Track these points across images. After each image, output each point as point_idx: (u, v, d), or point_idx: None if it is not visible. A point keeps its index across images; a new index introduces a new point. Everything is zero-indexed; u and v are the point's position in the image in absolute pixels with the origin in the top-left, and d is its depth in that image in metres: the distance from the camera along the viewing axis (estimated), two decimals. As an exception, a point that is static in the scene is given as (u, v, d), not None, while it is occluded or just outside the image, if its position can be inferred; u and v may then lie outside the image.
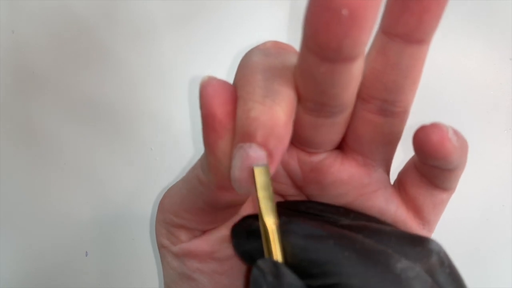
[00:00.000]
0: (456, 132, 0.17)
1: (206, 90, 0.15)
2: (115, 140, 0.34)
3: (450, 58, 0.36)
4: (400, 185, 0.20)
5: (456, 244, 0.34)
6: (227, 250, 0.20)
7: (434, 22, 0.15)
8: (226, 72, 0.35)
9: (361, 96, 0.17)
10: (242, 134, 0.15)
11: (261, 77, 0.15)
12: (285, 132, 0.15)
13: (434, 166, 0.18)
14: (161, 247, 0.21)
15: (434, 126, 0.16)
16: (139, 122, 0.35)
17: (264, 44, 0.18)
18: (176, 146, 0.35)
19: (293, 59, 0.16)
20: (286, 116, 0.15)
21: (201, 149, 0.35)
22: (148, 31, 0.35)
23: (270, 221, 0.15)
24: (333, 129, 0.18)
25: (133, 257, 0.34)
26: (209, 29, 0.36)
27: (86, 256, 0.34)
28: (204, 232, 0.20)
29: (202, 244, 0.20)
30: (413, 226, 0.20)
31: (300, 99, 0.16)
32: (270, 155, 0.14)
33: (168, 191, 0.20)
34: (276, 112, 0.14)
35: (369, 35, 0.13)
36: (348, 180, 0.19)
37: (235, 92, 0.16)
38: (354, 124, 0.18)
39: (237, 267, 0.20)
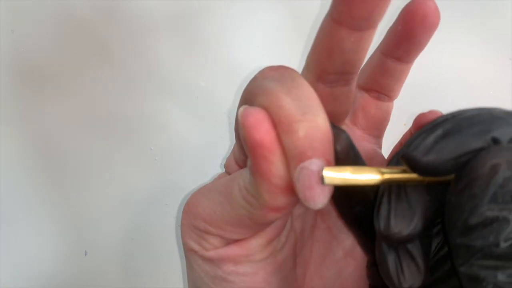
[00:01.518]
0: None
1: (249, 120, 0.16)
2: (115, 140, 0.34)
3: (450, 58, 0.36)
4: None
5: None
6: (265, 251, 0.20)
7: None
8: (226, 72, 0.35)
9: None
10: (298, 155, 0.16)
11: (290, 99, 0.16)
12: (331, 135, 0.16)
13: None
14: (189, 250, 0.21)
15: (432, 112, 0.19)
16: (139, 122, 0.35)
17: (263, 72, 0.19)
18: (176, 146, 0.35)
19: (293, 74, 0.18)
20: (327, 121, 0.16)
21: (201, 149, 0.35)
22: (148, 31, 0.35)
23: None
24: (349, 97, 0.20)
25: (133, 257, 0.34)
26: (209, 29, 0.36)
27: (86, 255, 0.34)
28: (239, 240, 0.20)
29: (238, 249, 0.20)
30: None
31: (320, 77, 0.18)
32: (327, 162, 0.16)
33: (199, 199, 0.20)
34: (320, 122, 0.16)
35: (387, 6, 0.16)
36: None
37: (271, 118, 0.17)
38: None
39: (272, 265, 0.21)
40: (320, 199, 0.15)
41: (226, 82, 0.35)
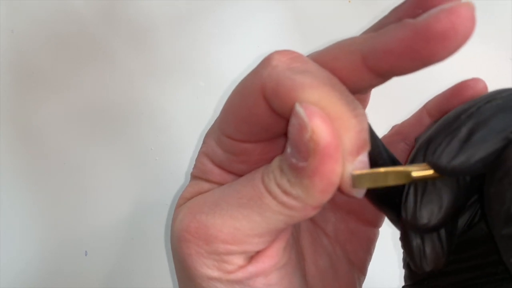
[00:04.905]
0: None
1: (315, 120, 0.15)
2: (115, 139, 0.34)
3: (450, 58, 0.36)
4: None
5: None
6: (285, 256, 0.20)
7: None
8: (226, 72, 0.35)
9: None
10: (356, 150, 0.16)
11: (338, 94, 0.16)
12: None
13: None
14: (207, 279, 0.19)
15: (474, 80, 0.20)
16: (139, 122, 0.35)
17: (281, 60, 0.17)
18: (176, 146, 0.35)
19: (311, 62, 0.17)
20: (365, 114, 0.17)
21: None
22: (148, 31, 0.35)
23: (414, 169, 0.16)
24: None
25: (133, 257, 0.34)
26: (209, 29, 0.36)
27: (86, 255, 0.34)
28: (261, 250, 0.19)
29: (266, 260, 0.19)
30: None
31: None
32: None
33: (206, 220, 0.19)
34: (364, 116, 0.16)
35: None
36: None
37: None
38: None
39: (291, 265, 0.20)
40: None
41: (226, 82, 0.35)
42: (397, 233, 0.18)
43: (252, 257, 0.19)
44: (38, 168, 0.34)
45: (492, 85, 0.39)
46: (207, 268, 0.19)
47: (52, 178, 0.34)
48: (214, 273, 0.19)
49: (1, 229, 0.34)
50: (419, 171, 0.16)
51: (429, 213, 0.16)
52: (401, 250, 0.18)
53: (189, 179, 0.21)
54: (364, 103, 0.22)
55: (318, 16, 0.37)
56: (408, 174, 0.16)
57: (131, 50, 0.35)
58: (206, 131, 0.20)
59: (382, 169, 0.16)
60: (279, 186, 0.17)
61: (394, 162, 0.19)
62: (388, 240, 0.27)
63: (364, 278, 0.24)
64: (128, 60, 0.35)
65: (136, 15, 0.35)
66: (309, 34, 0.35)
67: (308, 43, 0.36)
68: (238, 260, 0.19)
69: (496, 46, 0.36)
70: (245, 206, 0.18)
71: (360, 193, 0.16)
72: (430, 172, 0.15)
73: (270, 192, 0.17)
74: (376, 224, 0.24)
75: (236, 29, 0.36)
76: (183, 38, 0.36)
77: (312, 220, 0.23)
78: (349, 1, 0.36)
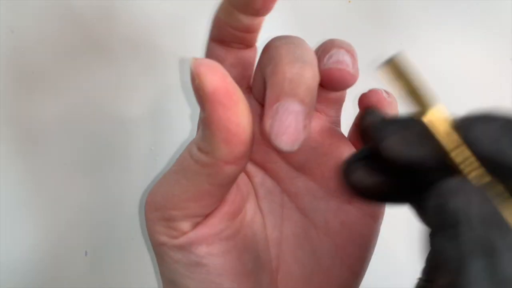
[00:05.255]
0: (388, 92, 0.22)
1: (200, 69, 0.16)
2: (115, 140, 0.34)
3: (450, 58, 0.36)
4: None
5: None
6: (232, 226, 0.20)
7: None
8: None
9: None
10: (276, 96, 0.17)
11: (288, 48, 0.19)
12: (314, 87, 0.18)
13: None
14: (158, 245, 0.20)
15: (372, 91, 0.21)
16: (139, 122, 0.35)
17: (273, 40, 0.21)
18: (176, 146, 0.35)
19: (298, 39, 0.21)
20: (316, 74, 0.18)
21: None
22: (149, 31, 0.35)
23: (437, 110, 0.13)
24: (254, 60, 0.23)
25: (133, 257, 0.34)
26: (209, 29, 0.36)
27: (86, 256, 0.34)
28: (206, 216, 0.20)
29: (207, 228, 0.20)
30: None
31: (222, 42, 0.21)
32: (309, 111, 0.17)
33: (156, 189, 0.20)
34: (308, 73, 0.18)
35: None
36: (318, 132, 0.22)
37: (223, 68, 0.17)
38: None
39: (243, 242, 0.20)
40: (296, 141, 0.16)
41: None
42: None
43: (196, 225, 0.19)
44: (38, 168, 0.34)
45: (492, 85, 0.39)
46: (158, 234, 0.20)
47: (52, 178, 0.34)
48: (163, 238, 0.20)
49: (1, 229, 0.34)
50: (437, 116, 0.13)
51: (397, 148, 0.14)
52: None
53: None
54: (340, 100, 0.23)
55: (318, 16, 0.37)
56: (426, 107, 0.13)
57: (131, 50, 0.35)
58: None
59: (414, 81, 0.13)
60: (196, 144, 0.18)
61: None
62: (392, 244, 0.27)
63: (358, 280, 0.22)
64: (128, 60, 0.35)
65: (136, 15, 0.35)
66: (309, 34, 0.35)
67: (308, 42, 0.36)
68: (182, 226, 0.19)
69: (496, 46, 0.36)
70: (177, 172, 0.19)
71: (287, 144, 0.16)
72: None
73: (189, 152, 0.18)
74: (374, 216, 0.22)
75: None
76: (183, 38, 0.36)
77: (301, 212, 0.22)
78: (349, 1, 0.36)
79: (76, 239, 0.34)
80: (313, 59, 0.19)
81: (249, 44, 0.22)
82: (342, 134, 0.23)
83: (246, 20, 0.19)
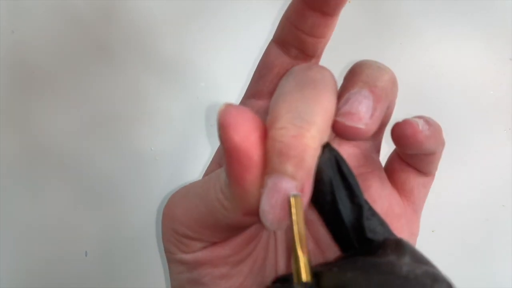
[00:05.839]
0: (427, 121, 0.19)
1: (225, 120, 0.15)
2: (115, 140, 0.34)
3: (450, 58, 0.36)
4: (388, 173, 0.22)
5: (456, 244, 0.34)
6: (244, 251, 0.20)
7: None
8: (226, 72, 0.35)
9: None
10: (272, 164, 0.15)
11: (289, 105, 0.16)
12: (313, 152, 0.15)
13: (414, 154, 0.20)
14: (167, 252, 0.20)
15: (405, 122, 0.19)
16: (139, 122, 0.35)
17: (296, 68, 0.19)
18: (176, 146, 0.35)
19: (319, 81, 0.17)
20: (316, 139, 0.15)
21: (200, 149, 0.35)
22: (149, 32, 0.35)
23: (302, 253, 0.15)
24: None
25: (133, 257, 0.34)
26: (210, 29, 0.36)
27: (86, 256, 0.34)
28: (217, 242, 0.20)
29: (217, 252, 0.19)
30: (408, 210, 0.22)
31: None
32: (302, 188, 0.15)
33: (177, 201, 0.20)
34: (308, 136, 0.15)
35: None
36: (347, 159, 0.19)
37: (257, 118, 0.15)
38: None
39: (249, 266, 0.20)
40: (281, 221, 0.15)
41: (226, 82, 0.35)
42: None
43: (207, 246, 0.19)
44: (38, 168, 0.34)
45: (492, 85, 0.39)
46: (169, 243, 0.20)
47: (52, 178, 0.34)
48: (173, 248, 0.20)
49: (1, 229, 0.34)
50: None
51: None
52: None
53: (190, 180, 0.22)
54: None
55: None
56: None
57: (131, 50, 0.35)
58: (206, 131, 0.20)
59: (296, 234, 0.14)
60: (219, 182, 0.17)
61: (339, 218, 0.17)
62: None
63: None
64: (128, 60, 0.35)
65: (136, 15, 0.35)
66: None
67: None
68: (194, 245, 0.19)
69: (496, 46, 0.36)
70: (199, 196, 0.18)
71: (272, 224, 0.15)
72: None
73: (214, 187, 0.17)
74: None
75: (237, 29, 0.36)
76: (183, 38, 0.36)
77: (315, 238, 0.22)
78: (349, 1, 0.36)
79: (76, 239, 0.34)
80: (323, 114, 0.16)
81: (309, 53, 0.20)
82: (373, 163, 0.21)
83: (315, 19, 0.18)
